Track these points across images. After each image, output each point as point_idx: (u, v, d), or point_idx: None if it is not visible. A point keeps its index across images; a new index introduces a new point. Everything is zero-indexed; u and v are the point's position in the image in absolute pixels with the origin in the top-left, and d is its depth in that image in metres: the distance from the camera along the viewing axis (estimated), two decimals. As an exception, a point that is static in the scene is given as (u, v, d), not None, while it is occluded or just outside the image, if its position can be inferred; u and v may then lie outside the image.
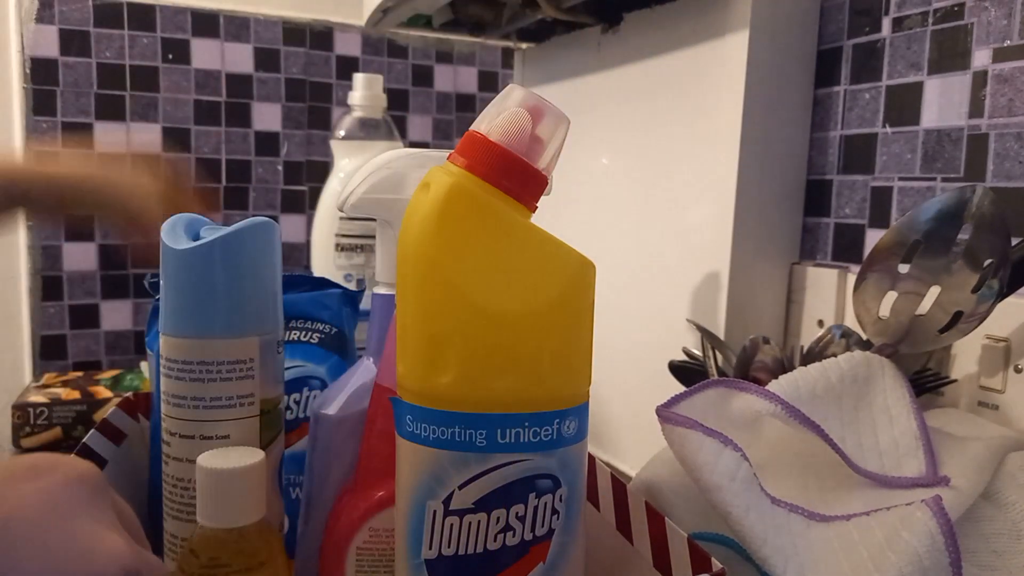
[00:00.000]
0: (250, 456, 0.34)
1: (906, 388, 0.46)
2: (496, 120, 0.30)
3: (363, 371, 0.41)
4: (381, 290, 0.41)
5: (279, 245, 0.42)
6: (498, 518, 0.30)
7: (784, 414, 0.41)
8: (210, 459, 0.34)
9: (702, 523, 0.40)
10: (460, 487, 0.30)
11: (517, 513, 0.30)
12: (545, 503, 0.31)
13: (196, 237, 0.40)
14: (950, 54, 0.56)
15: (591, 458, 0.41)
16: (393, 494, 0.33)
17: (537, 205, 0.32)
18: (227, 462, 0.34)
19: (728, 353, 0.58)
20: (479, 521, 0.30)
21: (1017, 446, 0.44)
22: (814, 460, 0.43)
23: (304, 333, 0.50)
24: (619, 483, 0.40)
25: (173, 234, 0.40)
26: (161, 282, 0.40)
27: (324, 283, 0.53)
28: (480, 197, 0.30)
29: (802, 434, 0.42)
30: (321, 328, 0.50)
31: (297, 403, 0.49)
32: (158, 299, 0.42)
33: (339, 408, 0.40)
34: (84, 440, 0.45)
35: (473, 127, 0.31)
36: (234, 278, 0.39)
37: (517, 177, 0.30)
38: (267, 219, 0.41)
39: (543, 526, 0.31)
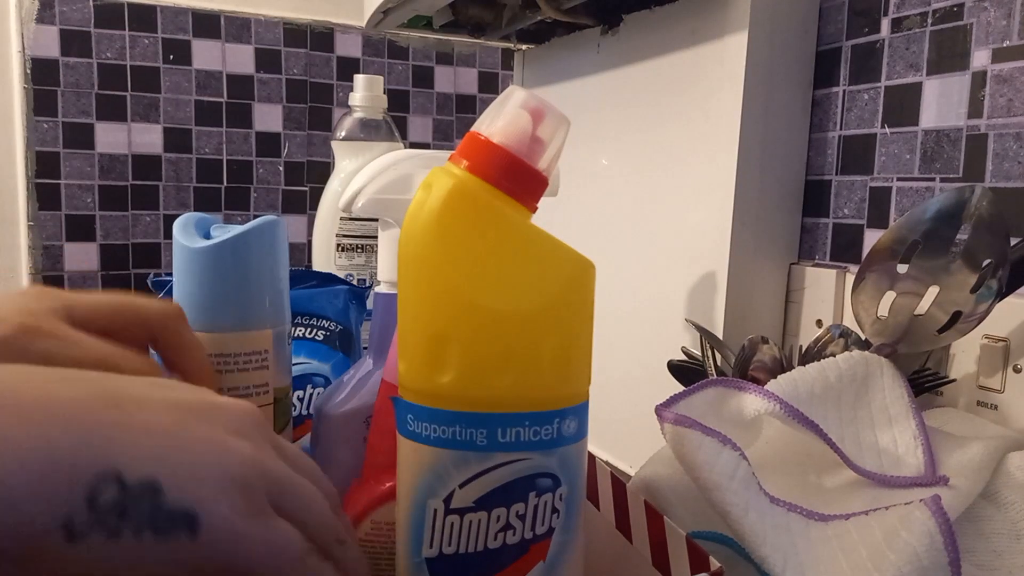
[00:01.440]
0: None
1: (905, 388, 0.46)
2: (497, 121, 0.31)
3: (365, 369, 0.41)
4: (383, 289, 0.41)
5: (286, 241, 0.43)
6: (498, 517, 0.30)
7: (783, 413, 0.41)
8: None
9: (701, 522, 0.40)
10: (461, 486, 0.30)
11: (517, 512, 0.30)
12: (545, 502, 0.31)
13: (207, 236, 0.42)
14: (949, 54, 0.56)
15: (591, 457, 0.41)
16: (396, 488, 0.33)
17: (537, 206, 0.32)
18: None
19: (727, 353, 0.58)
20: (479, 520, 0.30)
21: (1016, 446, 0.44)
22: (813, 459, 0.43)
23: (309, 330, 0.50)
24: (619, 482, 0.40)
25: (186, 233, 0.41)
26: (176, 279, 0.41)
27: (331, 279, 0.54)
28: (481, 198, 0.30)
29: (801, 433, 0.42)
30: (326, 325, 0.51)
31: (301, 400, 0.49)
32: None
33: (342, 406, 0.40)
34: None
35: (474, 128, 0.31)
36: (249, 274, 0.41)
37: (518, 178, 0.30)
38: (275, 217, 0.42)
39: (543, 525, 0.31)
